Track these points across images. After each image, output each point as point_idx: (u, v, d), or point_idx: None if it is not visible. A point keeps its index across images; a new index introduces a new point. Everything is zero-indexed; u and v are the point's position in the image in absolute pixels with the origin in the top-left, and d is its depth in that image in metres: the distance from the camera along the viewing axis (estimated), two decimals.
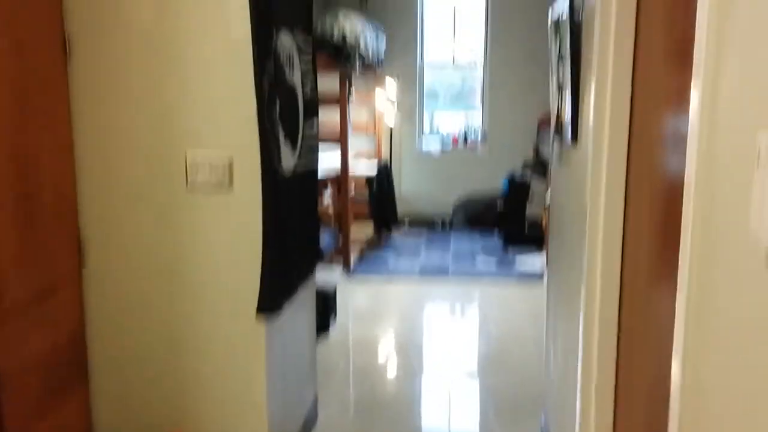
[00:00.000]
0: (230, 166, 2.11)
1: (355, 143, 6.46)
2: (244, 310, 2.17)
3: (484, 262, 5.87)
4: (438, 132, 7.71)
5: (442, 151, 7.58)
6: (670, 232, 1.42)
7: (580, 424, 1.92)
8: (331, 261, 5.39)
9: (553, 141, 2.64)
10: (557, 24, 2.24)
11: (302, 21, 2.45)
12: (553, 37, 2.33)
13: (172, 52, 2.10)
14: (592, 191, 1.83)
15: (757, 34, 0.83)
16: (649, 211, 1.58)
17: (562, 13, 2.15)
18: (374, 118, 7.21)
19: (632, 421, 1.71)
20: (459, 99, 7.91)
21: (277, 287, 2.20)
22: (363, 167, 6.55)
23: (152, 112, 2.13)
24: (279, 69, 2.16)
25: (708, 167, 0.99)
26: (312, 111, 2.54)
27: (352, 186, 6.00)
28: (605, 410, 1.87)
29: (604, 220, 1.81)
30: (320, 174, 5.21)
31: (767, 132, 0.73)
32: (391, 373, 3.57)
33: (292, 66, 2.29)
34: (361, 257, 6.06)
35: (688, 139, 1.04)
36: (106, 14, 2.09)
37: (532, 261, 5.84)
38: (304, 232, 2.56)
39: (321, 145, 2.78)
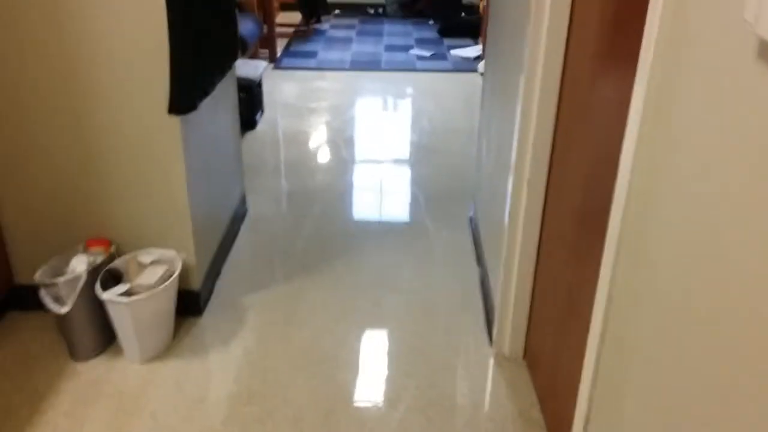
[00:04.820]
0: None
1: None
2: (156, 105, 1.98)
3: (418, 53, 5.63)
4: None
5: None
6: (622, 17, 1.27)
7: (510, 213, 1.91)
8: (255, 52, 5.04)
9: None
10: None
11: None
12: None
13: None
14: None
15: None
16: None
17: None
18: None
19: (563, 208, 1.70)
20: None
21: (189, 86, 1.99)
22: None
23: None
24: None
25: None
26: None
27: None
28: (536, 200, 1.86)
29: (550, 2, 1.64)
30: None
31: None
32: (322, 165, 3.50)
33: None
34: (288, 48, 5.70)
35: None
36: None
37: (468, 51, 5.64)
38: (219, 18, 2.28)
39: None
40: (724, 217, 0.72)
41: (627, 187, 0.98)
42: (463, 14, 6.26)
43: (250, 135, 3.87)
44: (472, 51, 5.63)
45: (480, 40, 5.74)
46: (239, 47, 2.87)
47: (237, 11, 2.66)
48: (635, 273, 0.99)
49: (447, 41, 6.00)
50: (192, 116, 2.09)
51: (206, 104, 2.22)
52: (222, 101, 2.50)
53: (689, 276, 0.81)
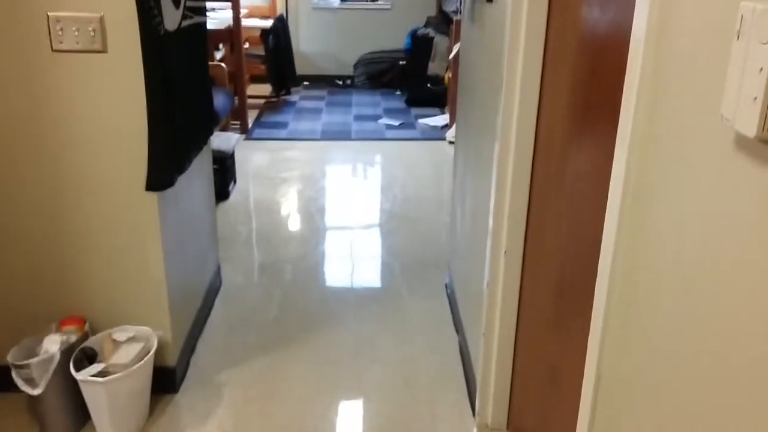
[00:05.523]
0: (102, 26, 1.82)
1: None
2: (133, 182, 1.98)
3: (387, 122, 5.77)
4: None
5: (342, 3, 7.17)
6: (594, 90, 1.35)
7: (488, 282, 1.94)
8: (227, 124, 5.11)
9: None
10: None
11: None
12: None
13: None
14: (509, 51, 1.72)
15: None
16: (571, 71, 1.50)
17: None
18: None
19: (541, 278, 1.73)
20: None
21: (167, 163, 2.00)
22: (257, 21, 6.09)
23: None
24: None
25: (663, 30, 0.89)
26: None
27: (246, 44, 5.59)
28: (515, 268, 1.90)
29: (521, 77, 1.72)
30: (211, 27, 4.79)
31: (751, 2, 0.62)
32: (296, 234, 3.51)
33: None
34: (259, 119, 5.79)
35: None
36: None
37: (436, 120, 5.79)
38: (195, 95, 2.32)
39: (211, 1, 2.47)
40: (714, 297, 0.75)
41: (610, 267, 1.02)
42: (428, 84, 6.46)
43: (224, 206, 3.87)
44: (440, 120, 5.79)
45: (446, 109, 5.91)
46: (215, 123, 2.91)
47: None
48: (623, 351, 1.01)
49: (414, 110, 6.16)
50: (169, 192, 2.10)
51: (182, 178, 2.23)
52: (197, 175, 2.51)
53: (679, 355, 0.83)
